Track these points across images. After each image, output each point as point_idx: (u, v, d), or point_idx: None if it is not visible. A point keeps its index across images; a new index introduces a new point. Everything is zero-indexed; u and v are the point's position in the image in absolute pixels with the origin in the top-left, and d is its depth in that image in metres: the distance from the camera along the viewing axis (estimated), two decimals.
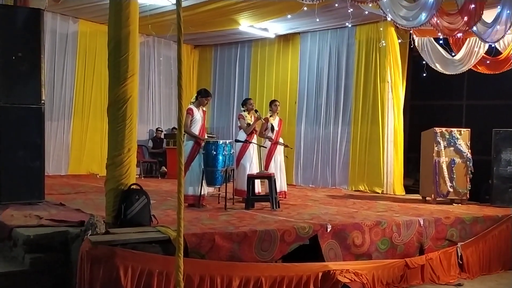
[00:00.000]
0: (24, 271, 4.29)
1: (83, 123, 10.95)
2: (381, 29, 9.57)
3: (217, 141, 6.64)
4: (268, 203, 6.65)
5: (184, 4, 5.23)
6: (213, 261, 4.43)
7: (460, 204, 7.78)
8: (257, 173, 7.27)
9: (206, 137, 7.00)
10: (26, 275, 4.27)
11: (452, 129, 7.99)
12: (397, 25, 7.60)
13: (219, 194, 6.96)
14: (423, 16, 6.96)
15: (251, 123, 7.51)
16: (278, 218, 5.71)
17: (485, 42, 7.94)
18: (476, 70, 8.98)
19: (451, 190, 7.84)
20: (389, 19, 7.36)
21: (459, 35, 7.88)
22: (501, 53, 8.77)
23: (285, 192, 7.88)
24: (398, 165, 9.69)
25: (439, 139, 7.88)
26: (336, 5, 7.95)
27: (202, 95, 6.87)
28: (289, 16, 9.12)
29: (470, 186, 7.92)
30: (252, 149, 7.44)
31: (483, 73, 8.98)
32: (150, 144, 12.28)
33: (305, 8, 7.96)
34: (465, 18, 7.03)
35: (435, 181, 7.82)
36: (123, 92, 4.74)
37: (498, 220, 6.72)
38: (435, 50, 9.11)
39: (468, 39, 8.57)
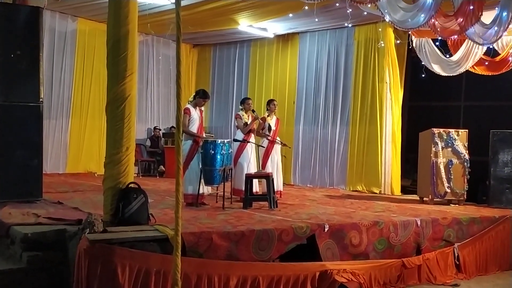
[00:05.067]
0: (22, 269, 4.29)
1: (81, 121, 10.94)
2: (380, 29, 9.60)
3: (216, 141, 6.65)
4: (266, 203, 6.66)
5: (183, 3, 5.21)
6: (210, 260, 4.44)
7: (457, 205, 7.80)
8: (255, 172, 7.28)
9: (204, 136, 7.01)
10: (23, 273, 4.27)
11: (450, 130, 8.01)
12: (395, 26, 7.61)
13: (217, 193, 6.97)
14: (421, 17, 6.97)
15: (248, 123, 7.52)
16: (276, 218, 5.72)
17: (480, 44, 7.95)
18: (474, 71, 8.99)
19: (448, 190, 7.86)
20: (387, 20, 7.37)
21: (455, 37, 7.89)
22: (499, 54, 8.79)
23: (280, 191, 7.88)
24: (396, 166, 9.71)
25: (437, 140, 7.90)
26: (337, 4, 7.96)
27: (200, 96, 6.88)
28: (290, 15, 9.11)
29: (467, 187, 7.94)
30: (250, 148, 7.45)
31: (481, 74, 8.99)
32: (148, 143, 12.28)
33: (306, 8, 7.97)
34: (461, 20, 7.03)
35: (432, 181, 7.84)
36: (122, 90, 4.74)
37: (495, 221, 6.74)
38: (432, 51, 9.12)
39: (466, 40, 8.57)
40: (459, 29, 7.17)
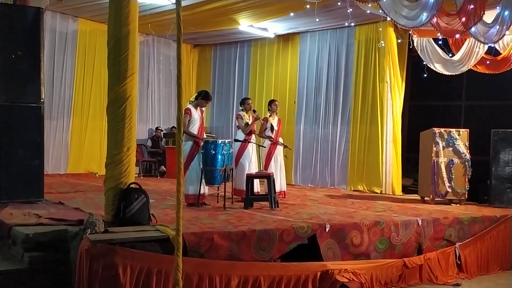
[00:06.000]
0: (23, 270, 4.29)
1: (82, 122, 10.94)
2: (380, 29, 9.60)
3: (216, 141, 6.65)
4: (267, 203, 6.66)
5: (183, 3, 5.22)
6: (212, 260, 4.44)
7: (458, 204, 7.80)
8: (256, 172, 7.28)
9: (205, 136, 7.01)
10: (25, 274, 4.27)
11: (451, 129, 8.00)
12: (398, 25, 7.60)
13: (218, 194, 6.97)
14: (424, 16, 6.97)
15: (249, 123, 7.52)
16: (277, 218, 5.72)
17: (483, 43, 7.96)
18: (476, 70, 8.99)
19: (449, 190, 7.86)
20: (389, 18, 7.36)
21: (457, 36, 7.89)
22: (500, 54, 8.78)
23: (284, 192, 7.89)
24: (397, 165, 9.70)
25: (438, 139, 7.90)
26: (339, 3, 7.95)
27: (203, 97, 6.86)
28: (292, 14, 9.09)
29: (468, 186, 7.93)
30: (251, 148, 7.45)
31: (482, 73, 8.99)
32: (149, 143, 12.29)
33: (308, 6, 7.96)
34: (463, 19, 7.04)
35: (433, 181, 7.84)
36: (123, 91, 4.75)
37: (496, 220, 6.74)
38: (434, 50, 9.12)
39: (468, 39, 8.58)
40: (462, 28, 7.17)
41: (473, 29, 7.27)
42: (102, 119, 10.42)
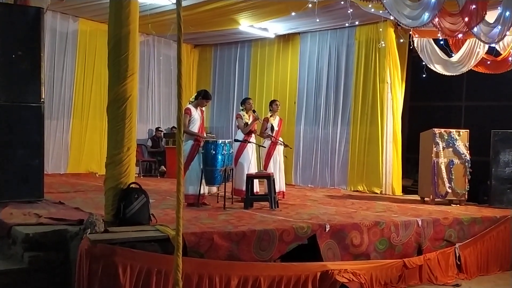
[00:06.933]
0: (23, 269, 4.30)
1: (83, 122, 10.94)
2: (381, 29, 9.59)
3: (216, 141, 6.66)
4: (267, 203, 6.66)
5: (184, 3, 5.20)
6: (211, 260, 4.45)
7: (458, 205, 7.80)
8: (256, 172, 7.28)
9: (205, 136, 7.01)
10: (25, 273, 4.28)
11: (451, 130, 8.01)
12: (401, 24, 7.58)
13: (218, 194, 6.97)
14: (425, 15, 6.97)
15: (249, 123, 7.52)
16: (277, 218, 5.72)
17: (486, 43, 7.96)
18: (477, 70, 8.99)
19: (449, 191, 7.86)
20: (392, 18, 7.35)
21: (460, 36, 7.89)
22: (501, 54, 8.78)
23: (283, 192, 7.88)
24: (397, 166, 9.70)
25: (438, 140, 7.90)
26: (342, 2, 7.94)
27: (203, 97, 6.87)
28: (293, 13, 9.08)
29: (468, 187, 7.93)
30: (251, 148, 7.45)
31: (483, 74, 8.97)
32: (149, 143, 12.29)
33: (310, 5, 7.95)
34: (466, 19, 7.04)
35: (433, 181, 7.83)
36: (123, 91, 4.75)
37: (496, 221, 6.74)
38: (434, 51, 9.12)
39: (468, 40, 8.58)
40: (465, 28, 7.17)
41: (475, 29, 7.27)
42: (102, 119, 10.43)
